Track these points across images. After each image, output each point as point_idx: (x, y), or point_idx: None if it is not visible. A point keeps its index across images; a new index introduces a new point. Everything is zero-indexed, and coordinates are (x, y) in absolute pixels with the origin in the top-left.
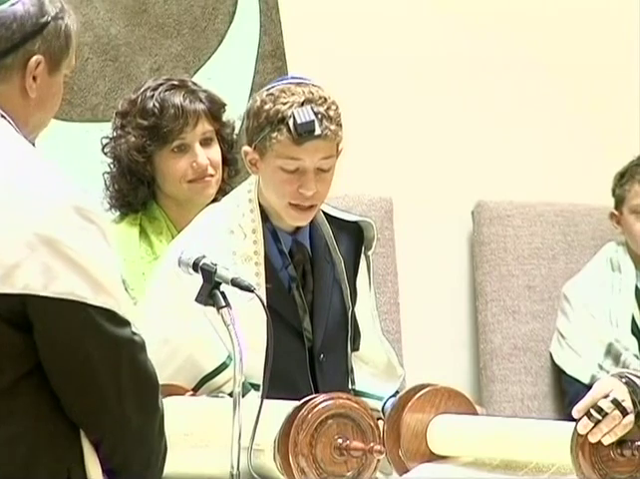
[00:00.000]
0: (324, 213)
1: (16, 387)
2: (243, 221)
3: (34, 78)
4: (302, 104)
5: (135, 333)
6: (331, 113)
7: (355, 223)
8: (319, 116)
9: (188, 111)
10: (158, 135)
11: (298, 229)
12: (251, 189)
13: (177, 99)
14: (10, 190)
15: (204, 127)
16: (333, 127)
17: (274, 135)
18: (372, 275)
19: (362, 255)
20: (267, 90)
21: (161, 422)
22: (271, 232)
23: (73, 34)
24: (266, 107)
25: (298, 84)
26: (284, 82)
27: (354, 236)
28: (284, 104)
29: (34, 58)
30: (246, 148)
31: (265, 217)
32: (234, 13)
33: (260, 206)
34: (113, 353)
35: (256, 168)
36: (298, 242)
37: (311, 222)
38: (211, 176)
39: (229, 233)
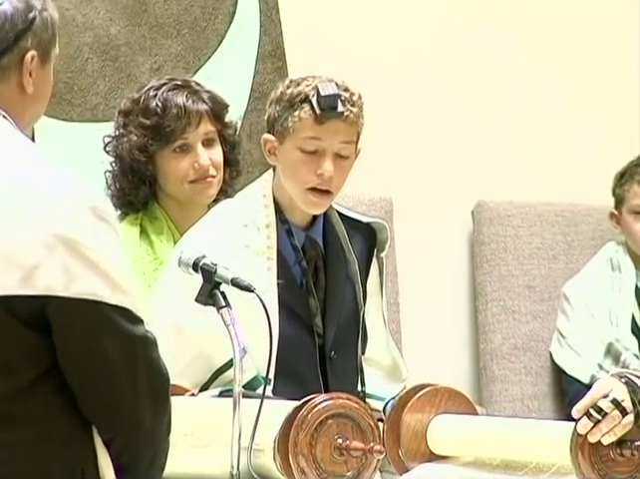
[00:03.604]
0: (338, 213)
1: (33, 388)
2: (257, 215)
3: (29, 73)
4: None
5: (147, 331)
6: (354, 98)
7: (368, 224)
8: (342, 97)
9: (191, 111)
10: (160, 134)
11: (312, 225)
12: (266, 184)
13: (180, 99)
14: (24, 190)
15: (207, 127)
16: (355, 110)
17: (296, 114)
18: (384, 278)
19: (374, 258)
20: (289, 79)
21: (169, 422)
22: (285, 227)
23: (56, 22)
24: (289, 91)
25: (319, 76)
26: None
27: (367, 237)
28: (307, 85)
29: (29, 54)
30: (266, 135)
31: (279, 212)
32: (234, 13)
33: (274, 201)
34: (129, 350)
35: (275, 156)
36: (311, 239)
37: (325, 220)
38: (213, 176)
39: (243, 226)
